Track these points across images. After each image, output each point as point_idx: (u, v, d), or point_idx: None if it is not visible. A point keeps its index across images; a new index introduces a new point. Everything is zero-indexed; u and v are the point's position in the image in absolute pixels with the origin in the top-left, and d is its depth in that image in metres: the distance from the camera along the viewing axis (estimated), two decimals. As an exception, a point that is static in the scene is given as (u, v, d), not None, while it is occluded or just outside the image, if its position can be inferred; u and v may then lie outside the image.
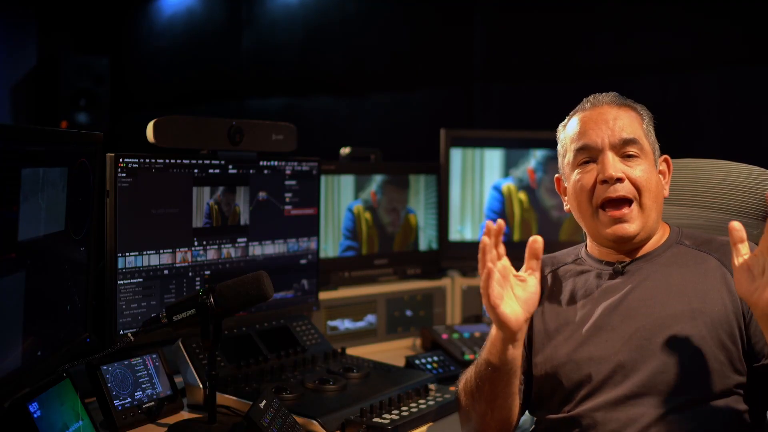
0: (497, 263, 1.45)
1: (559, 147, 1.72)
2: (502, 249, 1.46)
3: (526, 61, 3.94)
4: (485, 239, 1.43)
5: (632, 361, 1.53)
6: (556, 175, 1.75)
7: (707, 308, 1.53)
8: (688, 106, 3.36)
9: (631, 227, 1.59)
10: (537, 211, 2.87)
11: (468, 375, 1.63)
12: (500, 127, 3.82)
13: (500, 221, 1.46)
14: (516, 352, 1.50)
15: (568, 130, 1.68)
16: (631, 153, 1.61)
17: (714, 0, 3.29)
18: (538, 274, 1.50)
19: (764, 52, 3.18)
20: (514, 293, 1.47)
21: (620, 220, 1.58)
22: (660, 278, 1.59)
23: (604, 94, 1.68)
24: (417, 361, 2.27)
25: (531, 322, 1.71)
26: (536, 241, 1.48)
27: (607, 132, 1.61)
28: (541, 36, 3.86)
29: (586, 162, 1.63)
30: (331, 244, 2.62)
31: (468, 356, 2.39)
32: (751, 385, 1.53)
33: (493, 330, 1.51)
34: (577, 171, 1.64)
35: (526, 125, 3.01)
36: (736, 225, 1.37)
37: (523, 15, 3.91)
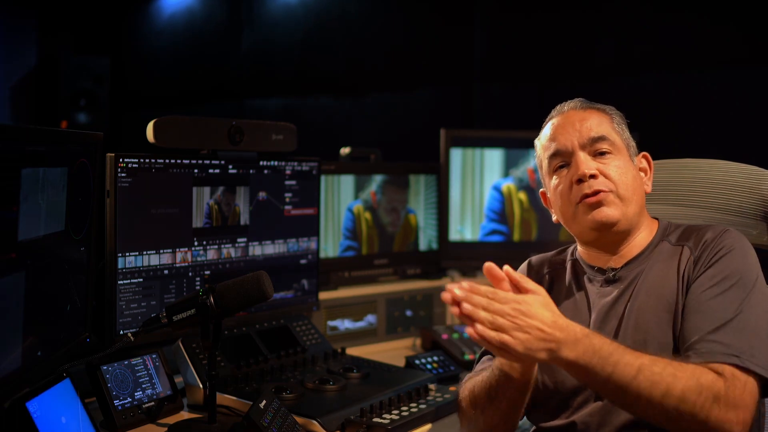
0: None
1: (536, 160, 1.74)
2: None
3: (526, 61, 3.94)
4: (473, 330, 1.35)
5: None
6: (541, 190, 1.76)
7: (681, 304, 1.52)
8: (688, 106, 3.36)
9: (610, 210, 1.57)
10: (537, 211, 2.87)
11: (474, 387, 1.61)
12: (500, 127, 3.82)
13: (488, 268, 1.41)
14: (536, 367, 1.51)
15: (541, 140, 1.70)
16: (602, 150, 1.61)
17: (714, 0, 3.29)
18: (529, 284, 1.41)
19: (764, 52, 3.18)
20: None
21: (598, 204, 1.57)
22: (646, 282, 1.58)
23: (570, 101, 1.70)
24: (417, 361, 2.27)
25: None
26: (490, 268, 1.41)
27: (575, 134, 1.62)
28: (541, 36, 3.86)
29: (561, 167, 1.64)
30: (331, 244, 2.62)
31: (468, 356, 2.39)
32: None
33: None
34: (554, 177, 1.66)
35: (526, 125, 3.01)
36: (486, 265, 1.40)
37: (523, 15, 3.91)
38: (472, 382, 1.64)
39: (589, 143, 1.61)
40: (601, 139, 1.61)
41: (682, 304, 1.51)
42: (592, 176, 1.58)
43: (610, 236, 1.61)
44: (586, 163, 1.59)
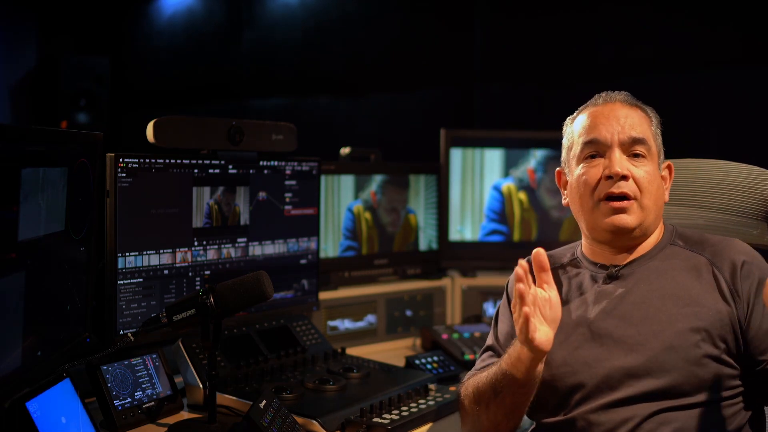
0: (530, 296, 1.42)
1: (564, 140, 1.72)
2: (531, 280, 1.46)
3: (526, 62, 3.94)
4: (520, 286, 1.41)
5: (626, 366, 1.52)
6: (557, 168, 1.74)
7: (701, 312, 1.53)
8: (688, 106, 3.35)
9: (629, 219, 1.58)
10: (537, 211, 2.87)
11: (478, 383, 1.61)
12: (500, 127, 3.82)
13: (537, 253, 1.45)
14: (542, 366, 1.51)
15: (577, 123, 1.68)
16: (638, 152, 1.61)
17: (714, 0, 3.29)
18: (553, 284, 1.48)
19: (764, 52, 3.18)
20: (543, 315, 1.46)
21: (620, 211, 1.58)
22: (653, 282, 1.59)
23: (617, 92, 1.68)
24: (417, 361, 2.27)
25: None
26: (539, 253, 1.45)
27: (617, 128, 1.61)
28: (542, 36, 3.86)
29: (593, 156, 1.63)
30: (331, 244, 2.62)
31: (468, 356, 2.39)
32: (746, 386, 1.54)
33: (521, 350, 1.48)
34: (582, 164, 1.64)
35: (526, 125, 3.01)
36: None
37: (524, 15, 3.91)
38: (475, 380, 1.63)
39: (628, 142, 1.60)
40: (641, 142, 1.61)
41: (737, 320, 1.52)
42: (624, 177, 1.58)
43: (622, 240, 1.62)
44: (620, 162, 1.59)
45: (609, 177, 1.59)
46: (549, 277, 1.47)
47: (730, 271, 1.56)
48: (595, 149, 1.62)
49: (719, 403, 1.51)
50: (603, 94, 1.69)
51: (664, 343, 1.51)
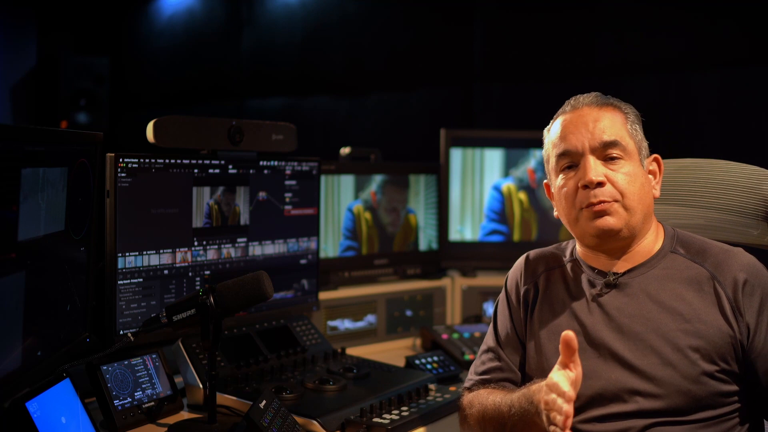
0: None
1: (543, 152, 1.68)
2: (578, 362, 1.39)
3: (526, 61, 3.94)
4: (569, 410, 1.32)
5: (623, 381, 1.51)
6: (545, 181, 1.71)
7: (701, 329, 1.50)
8: (688, 106, 3.36)
9: (613, 220, 1.54)
10: (537, 211, 2.87)
11: (485, 409, 1.58)
12: (500, 127, 3.82)
13: (568, 339, 1.36)
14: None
15: (550, 135, 1.64)
16: (613, 155, 1.56)
17: (714, 0, 3.29)
18: (579, 363, 1.39)
19: (764, 52, 3.18)
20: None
21: (602, 213, 1.54)
22: (653, 294, 1.55)
23: (584, 95, 1.63)
24: (417, 361, 2.27)
25: (524, 325, 1.69)
26: (572, 339, 1.36)
27: (587, 135, 1.56)
28: (541, 36, 3.86)
29: (569, 167, 1.59)
30: (331, 244, 2.62)
31: (468, 356, 2.39)
32: (745, 401, 1.53)
33: (538, 418, 1.42)
34: (560, 177, 1.61)
35: (526, 125, 3.01)
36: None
37: (523, 14, 3.91)
38: (481, 402, 1.61)
39: (600, 147, 1.56)
40: (613, 144, 1.56)
41: (738, 342, 1.50)
42: (600, 184, 1.54)
43: (611, 243, 1.58)
44: (594, 169, 1.54)
45: (585, 186, 1.55)
46: (576, 357, 1.38)
47: (733, 288, 1.52)
48: (569, 160, 1.59)
49: (716, 418, 1.49)
50: (571, 100, 1.64)
51: (662, 360, 1.49)
